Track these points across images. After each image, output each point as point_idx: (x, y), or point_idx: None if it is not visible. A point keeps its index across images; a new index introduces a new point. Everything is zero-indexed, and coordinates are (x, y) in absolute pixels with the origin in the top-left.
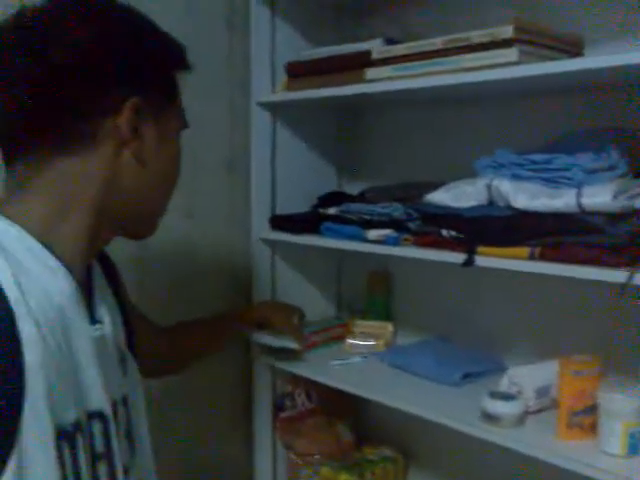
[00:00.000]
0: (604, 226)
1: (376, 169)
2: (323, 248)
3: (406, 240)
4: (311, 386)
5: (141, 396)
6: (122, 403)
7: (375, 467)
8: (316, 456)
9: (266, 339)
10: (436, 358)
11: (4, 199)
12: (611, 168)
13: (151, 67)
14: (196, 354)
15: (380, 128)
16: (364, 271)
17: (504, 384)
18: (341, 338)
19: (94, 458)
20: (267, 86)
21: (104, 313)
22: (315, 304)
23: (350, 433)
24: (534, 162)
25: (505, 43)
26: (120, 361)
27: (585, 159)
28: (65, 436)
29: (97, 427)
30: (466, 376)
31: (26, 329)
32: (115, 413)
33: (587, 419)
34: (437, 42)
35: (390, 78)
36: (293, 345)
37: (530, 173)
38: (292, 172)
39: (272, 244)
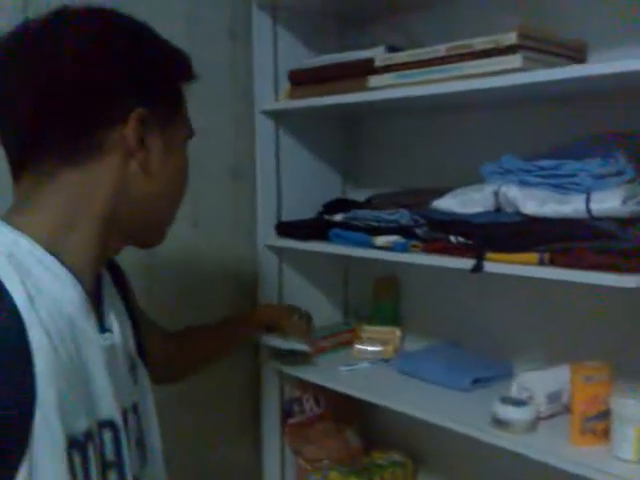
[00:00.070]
0: (614, 231)
1: (380, 176)
2: (329, 254)
3: (415, 246)
4: (319, 391)
5: (151, 404)
6: (132, 411)
7: (384, 472)
8: (325, 461)
9: (276, 342)
10: (445, 363)
11: (13, 210)
12: (619, 173)
13: (156, 78)
14: (205, 359)
15: (383, 135)
16: (370, 277)
17: (515, 389)
18: (349, 344)
19: (104, 467)
20: (270, 94)
21: (113, 322)
22: (322, 310)
23: (358, 438)
24: (542, 168)
25: (509, 50)
26: (130, 369)
27: (593, 165)
28: (76, 445)
29: (108, 436)
30: (476, 381)
31: (36, 338)
32: (125, 421)
33: (600, 425)
34: (440, 49)
35: (393, 85)
36: (303, 347)
37: (538, 179)
38: (297, 179)
39: (279, 251)
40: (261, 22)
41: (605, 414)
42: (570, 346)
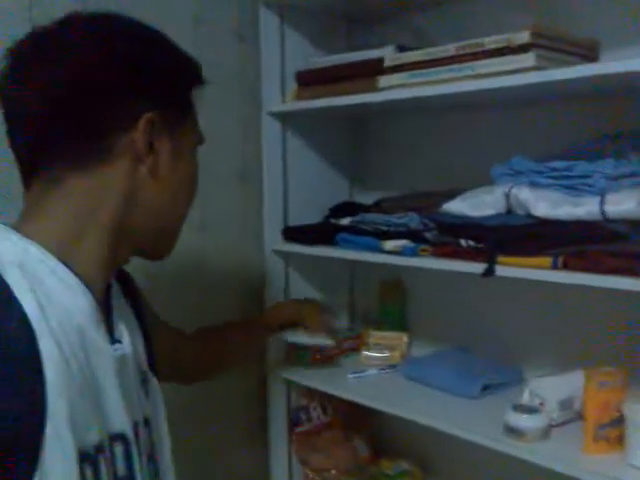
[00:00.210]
0: (629, 234)
1: (388, 178)
2: (335, 259)
3: (424, 251)
4: (326, 399)
5: (164, 418)
6: (144, 424)
7: None
8: (332, 471)
9: (298, 338)
10: (454, 369)
11: (23, 218)
12: (633, 175)
13: (166, 83)
14: (228, 359)
15: (390, 135)
16: (376, 281)
17: (526, 396)
18: (356, 350)
19: None
20: (277, 96)
21: (123, 333)
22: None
23: (366, 447)
24: (554, 169)
25: (521, 49)
26: (141, 382)
27: (606, 166)
28: (87, 458)
29: (119, 449)
30: (485, 388)
31: (47, 348)
32: (137, 435)
33: (614, 432)
34: (451, 48)
35: (403, 85)
36: (327, 342)
37: (550, 181)
38: (304, 182)
39: (285, 255)
40: (268, 22)
41: (619, 421)
42: (581, 351)
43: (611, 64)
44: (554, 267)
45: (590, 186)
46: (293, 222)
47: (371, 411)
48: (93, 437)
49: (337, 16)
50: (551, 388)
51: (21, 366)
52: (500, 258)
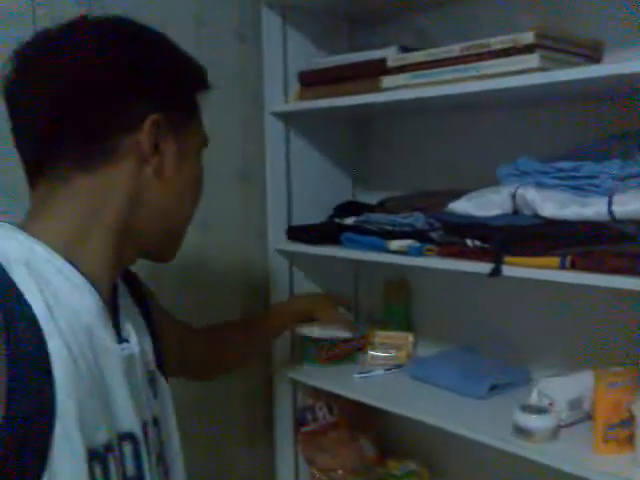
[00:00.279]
0: (637, 234)
1: (391, 178)
2: (339, 258)
3: (429, 250)
4: (332, 399)
5: (173, 419)
6: (153, 424)
7: None
8: (339, 471)
9: (317, 332)
10: (461, 369)
11: (29, 217)
12: (639, 175)
13: (170, 85)
14: (243, 354)
15: (394, 136)
16: (381, 280)
17: (535, 396)
18: (361, 349)
19: None
20: (280, 96)
21: (130, 332)
22: None
23: (373, 447)
24: (560, 170)
25: (526, 49)
26: (149, 382)
27: (613, 166)
28: (97, 457)
29: (128, 449)
30: (492, 388)
31: (56, 349)
32: (146, 434)
33: (623, 432)
34: (455, 49)
35: (407, 86)
36: (346, 334)
37: (556, 181)
38: (307, 181)
39: (289, 255)
40: (270, 22)
41: (629, 421)
42: (589, 351)
43: (616, 66)
44: (562, 267)
45: (597, 187)
46: (296, 222)
47: (377, 411)
48: (102, 437)
49: (339, 16)
50: (560, 388)
51: (30, 366)
52: (507, 258)
